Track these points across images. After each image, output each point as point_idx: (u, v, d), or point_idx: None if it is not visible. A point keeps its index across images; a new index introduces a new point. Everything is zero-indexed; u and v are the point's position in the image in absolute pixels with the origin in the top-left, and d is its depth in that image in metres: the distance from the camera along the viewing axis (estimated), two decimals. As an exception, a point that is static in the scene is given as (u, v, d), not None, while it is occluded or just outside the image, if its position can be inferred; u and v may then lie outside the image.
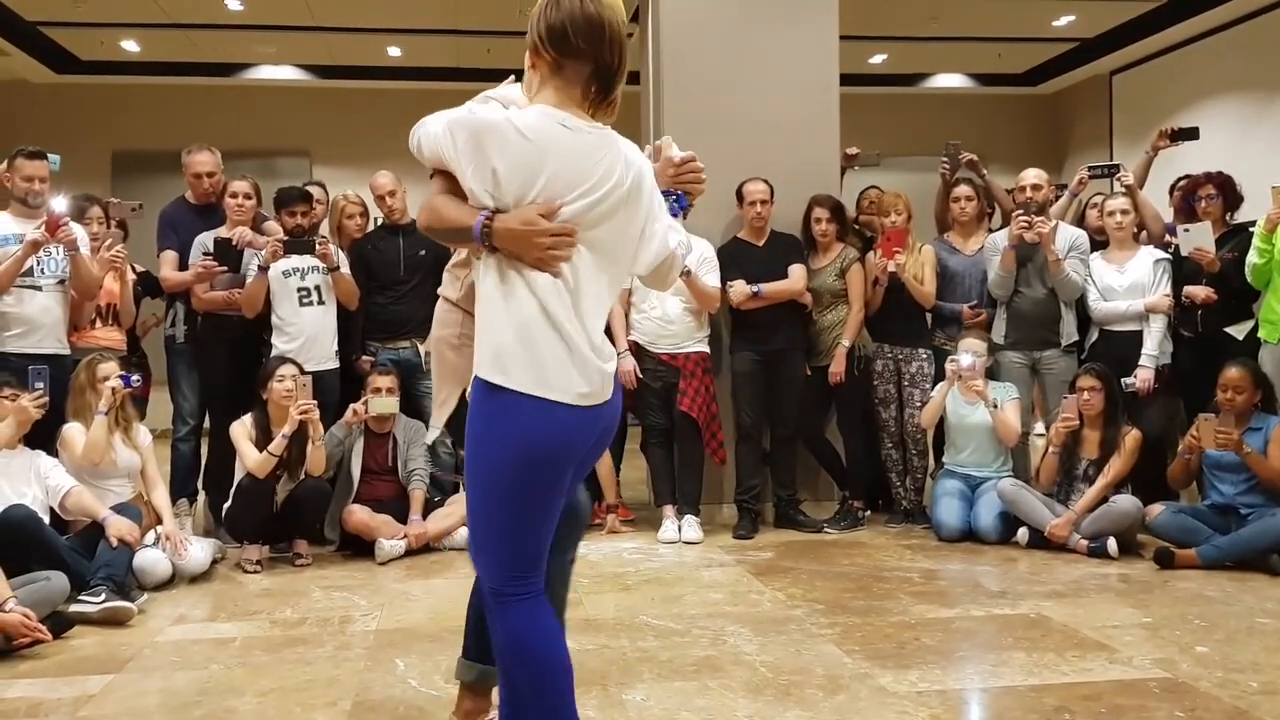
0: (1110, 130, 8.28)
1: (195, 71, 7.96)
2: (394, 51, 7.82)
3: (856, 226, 4.74)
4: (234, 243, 4.07)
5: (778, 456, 4.33)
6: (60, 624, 2.88)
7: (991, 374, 4.17)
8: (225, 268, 4.09)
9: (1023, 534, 3.89)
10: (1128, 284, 4.12)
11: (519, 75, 1.71)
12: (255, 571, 3.64)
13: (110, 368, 3.54)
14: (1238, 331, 4.01)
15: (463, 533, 4.01)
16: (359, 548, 3.88)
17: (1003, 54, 8.14)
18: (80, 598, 3.03)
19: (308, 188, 4.53)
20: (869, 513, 4.43)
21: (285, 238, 4.06)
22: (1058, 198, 4.59)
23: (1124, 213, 4.19)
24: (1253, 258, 3.84)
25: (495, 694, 1.92)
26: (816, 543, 4.06)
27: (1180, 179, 4.47)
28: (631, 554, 3.91)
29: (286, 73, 8.15)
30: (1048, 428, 4.18)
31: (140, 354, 4.45)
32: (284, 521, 3.79)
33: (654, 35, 4.61)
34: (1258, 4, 6.57)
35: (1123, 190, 4.33)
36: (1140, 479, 3.89)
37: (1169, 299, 4.08)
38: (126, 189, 6.76)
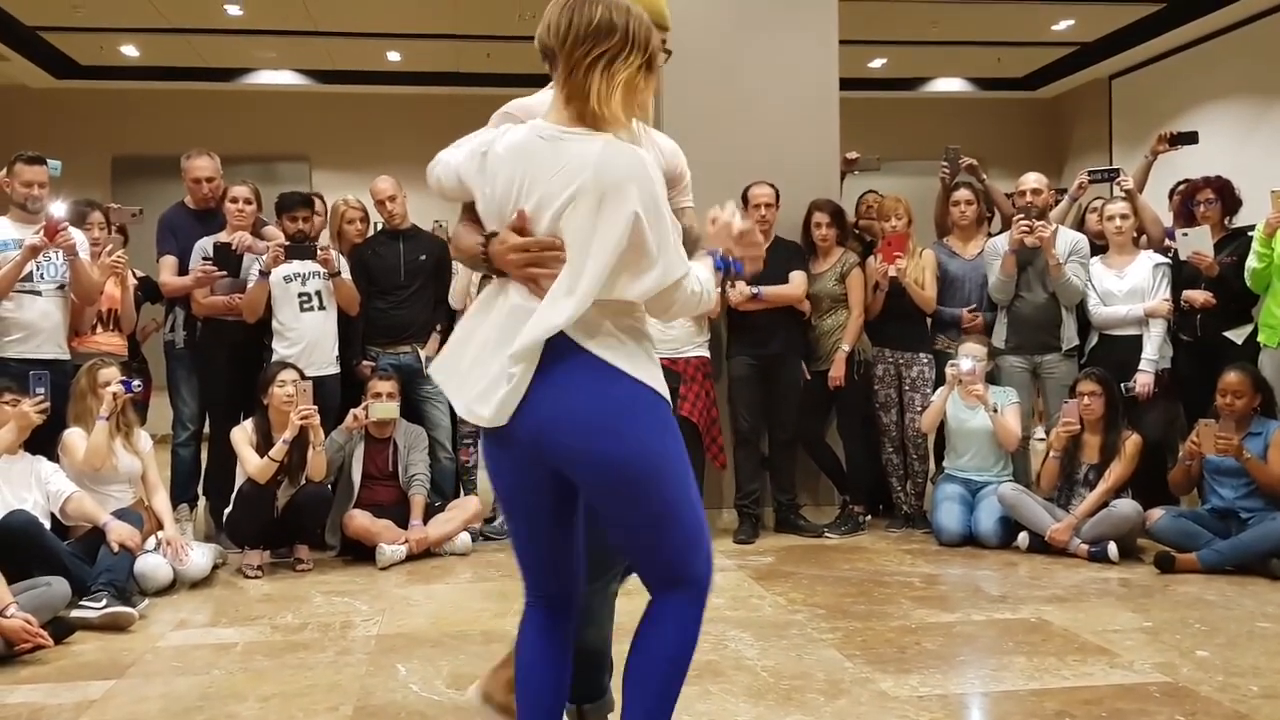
0: (1109, 134, 8.29)
1: (195, 76, 7.97)
2: (394, 56, 7.83)
3: (856, 231, 4.75)
4: (234, 247, 4.07)
5: (777, 461, 4.33)
6: (61, 629, 2.88)
7: (992, 378, 4.18)
8: (224, 272, 4.09)
9: (1023, 538, 3.89)
10: (1127, 288, 4.13)
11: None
12: (256, 577, 3.64)
13: (111, 373, 3.54)
14: (1237, 336, 4.02)
15: (463, 538, 4.01)
16: (360, 553, 3.88)
17: (1002, 58, 8.16)
18: (81, 603, 3.03)
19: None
20: (869, 517, 4.43)
21: (286, 243, 4.06)
22: (1057, 202, 4.60)
23: (1124, 217, 4.20)
24: (1252, 262, 3.84)
25: None
26: (817, 547, 4.06)
27: (1179, 183, 4.48)
28: (632, 558, 3.90)
29: (286, 78, 8.16)
30: (1048, 432, 4.19)
31: (140, 359, 4.45)
32: (285, 527, 3.79)
33: (654, 40, 4.61)
34: (1256, 9, 6.59)
35: (1122, 195, 4.34)
36: (1140, 483, 3.90)
37: (1168, 304, 4.08)
38: (126, 194, 6.76)
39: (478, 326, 1.61)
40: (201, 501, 4.39)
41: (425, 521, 3.95)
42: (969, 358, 4.03)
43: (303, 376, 3.79)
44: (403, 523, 3.92)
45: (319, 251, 4.04)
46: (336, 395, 4.14)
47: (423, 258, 4.37)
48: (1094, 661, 2.60)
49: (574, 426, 1.51)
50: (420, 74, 8.03)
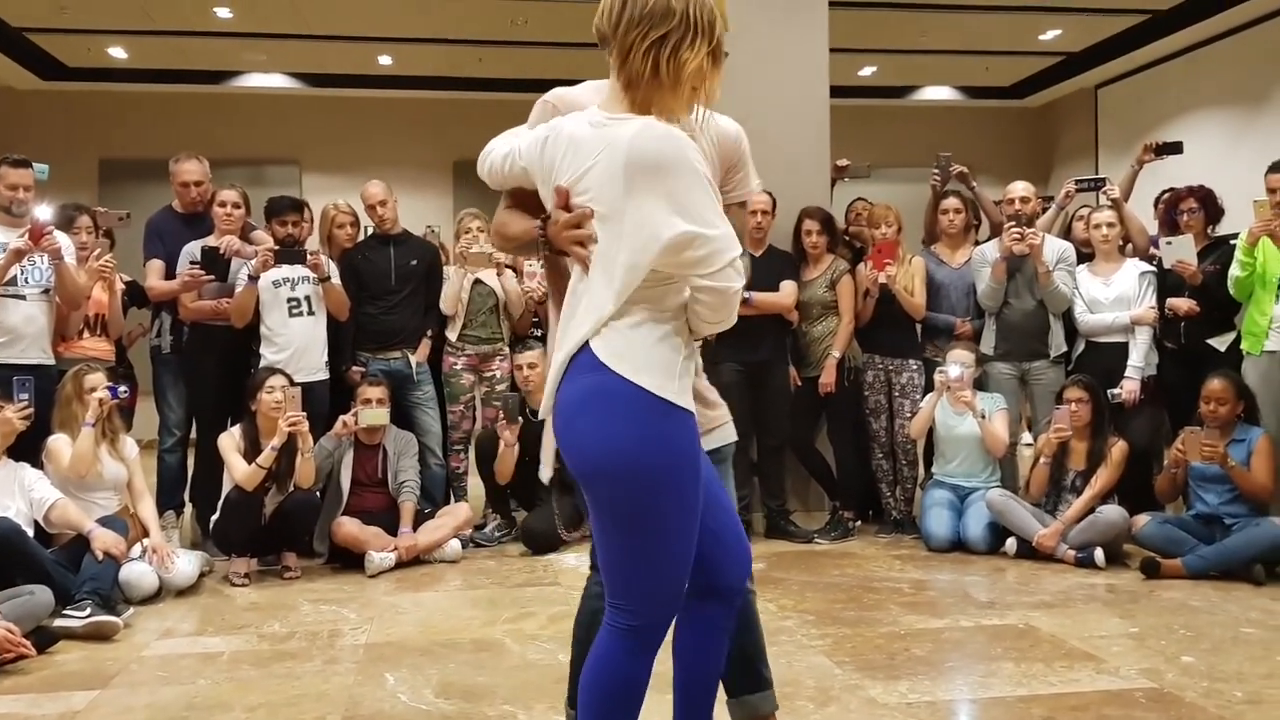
0: (1096, 143, 8.36)
1: (184, 79, 7.92)
2: (385, 60, 7.82)
3: (846, 238, 4.77)
4: (221, 251, 4.05)
5: (766, 467, 4.34)
6: (45, 639, 2.85)
7: (980, 385, 4.20)
8: (212, 276, 4.07)
9: (1011, 544, 3.91)
10: (1113, 296, 4.17)
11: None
12: (243, 585, 3.62)
13: (97, 379, 3.51)
14: (1220, 343, 4.05)
15: (453, 545, 4.00)
16: (348, 560, 3.86)
17: (990, 67, 8.22)
18: (65, 612, 3.00)
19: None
20: (859, 523, 4.44)
21: (276, 247, 4.04)
22: (1044, 210, 4.64)
23: (1110, 225, 4.24)
24: (1235, 271, 3.88)
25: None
26: (807, 553, 4.07)
27: (1163, 192, 4.52)
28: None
29: (276, 81, 8.12)
30: (1036, 439, 4.21)
31: (127, 364, 4.42)
32: (272, 534, 3.77)
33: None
34: (1242, 19, 6.66)
35: (1109, 203, 4.38)
36: (1126, 489, 3.93)
37: (1154, 311, 4.12)
38: (113, 197, 6.71)
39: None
40: (188, 508, 4.37)
41: (415, 528, 3.94)
42: (957, 364, 4.06)
43: (291, 382, 3.78)
44: (392, 530, 3.91)
45: (309, 256, 4.03)
46: (325, 401, 4.12)
47: (413, 263, 4.36)
48: (1081, 667, 2.62)
49: (555, 418, 1.54)
50: (412, 78, 8.01)
